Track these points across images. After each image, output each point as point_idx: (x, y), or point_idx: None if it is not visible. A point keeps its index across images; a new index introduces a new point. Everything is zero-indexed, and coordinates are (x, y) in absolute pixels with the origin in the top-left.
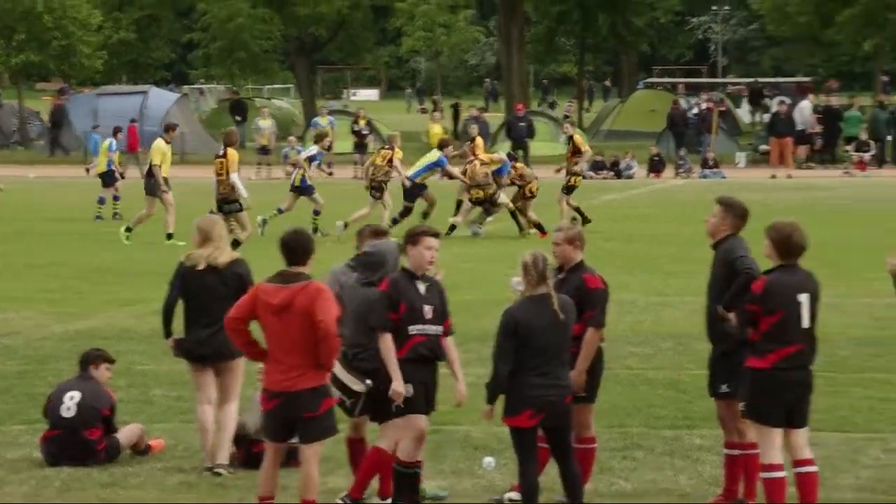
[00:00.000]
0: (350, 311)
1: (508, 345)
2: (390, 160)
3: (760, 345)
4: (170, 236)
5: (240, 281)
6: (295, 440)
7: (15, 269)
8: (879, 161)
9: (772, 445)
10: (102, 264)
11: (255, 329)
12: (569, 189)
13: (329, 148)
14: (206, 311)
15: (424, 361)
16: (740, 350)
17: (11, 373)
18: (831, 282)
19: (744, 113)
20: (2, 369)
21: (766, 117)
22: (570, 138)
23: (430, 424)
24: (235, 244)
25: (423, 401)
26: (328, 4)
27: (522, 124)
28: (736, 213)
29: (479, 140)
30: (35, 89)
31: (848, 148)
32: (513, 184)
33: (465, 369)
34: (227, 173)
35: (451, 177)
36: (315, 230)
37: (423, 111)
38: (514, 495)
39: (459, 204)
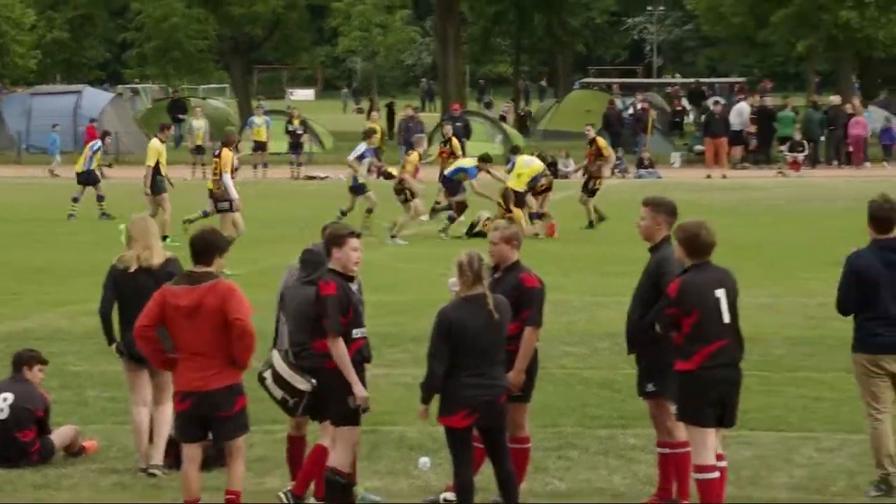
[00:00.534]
0: (291, 309)
1: (443, 345)
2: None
3: (685, 347)
4: (165, 237)
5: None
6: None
7: None
8: (813, 161)
9: (704, 446)
10: (37, 265)
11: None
12: (591, 191)
13: (378, 147)
14: (138, 312)
15: (363, 364)
16: (664, 349)
17: None
18: (766, 282)
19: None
20: None
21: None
22: (593, 141)
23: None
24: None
25: (358, 409)
26: (263, 4)
27: (458, 124)
28: (666, 210)
29: (455, 140)
30: None
31: (782, 148)
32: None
33: (401, 370)
34: (221, 174)
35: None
36: (365, 228)
37: (360, 111)
38: (450, 495)
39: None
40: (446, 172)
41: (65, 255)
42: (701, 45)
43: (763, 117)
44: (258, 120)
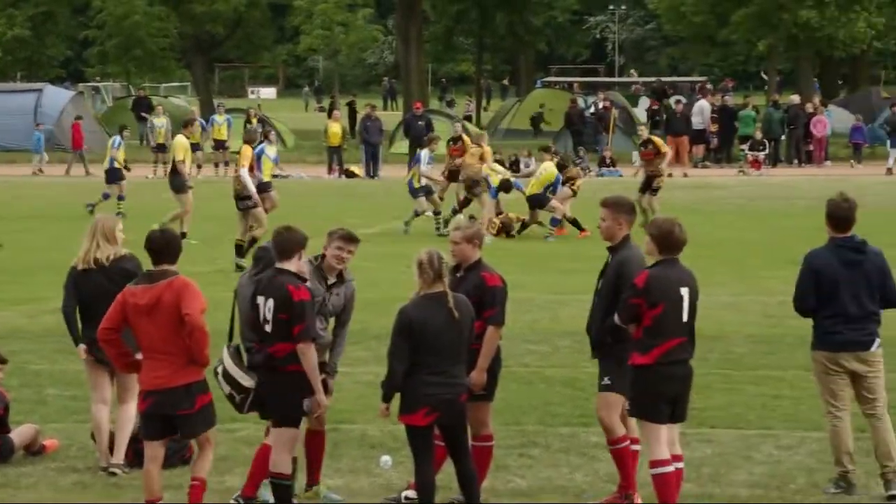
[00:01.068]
0: (243, 306)
1: (403, 343)
2: (481, 157)
3: (644, 340)
4: (183, 235)
5: (127, 276)
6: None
7: None
8: (773, 160)
9: (658, 441)
10: None
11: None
12: (654, 190)
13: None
14: (97, 311)
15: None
16: (622, 345)
17: None
18: (727, 280)
19: (640, 112)
20: None
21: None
22: (650, 141)
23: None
24: (252, 241)
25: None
26: (225, 2)
27: (420, 123)
28: (626, 209)
29: (467, 138)
30: None
31: (743, 147)
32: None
33: (363, 368)
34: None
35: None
36: (407, 224)
37: (321, 110)
38: (411, 493)
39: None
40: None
41: (22, 254)
42: (662, 45)
43: (724, 116)
44: (219, 118)
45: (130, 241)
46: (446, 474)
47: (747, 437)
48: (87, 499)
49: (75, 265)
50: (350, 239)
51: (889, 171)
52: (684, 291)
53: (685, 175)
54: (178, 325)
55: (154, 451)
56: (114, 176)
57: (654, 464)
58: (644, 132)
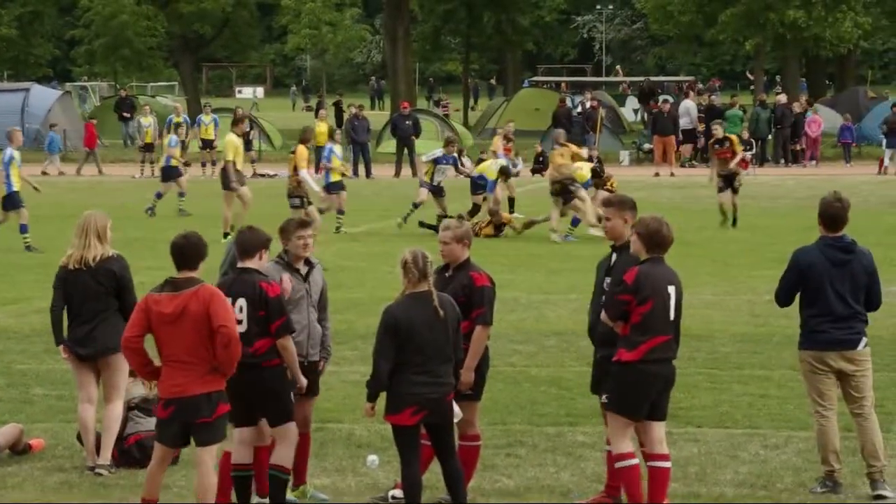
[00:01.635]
0: None
1: (389, 342)
2: (573, 156)
3: (631, 336)
4: (226, 234)
5: (113, 278)
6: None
7: None
8: (760, 160)
9: (624, 435)
10: None
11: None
12: (735, 189)
13: (461, 153)
14: (82, 310)
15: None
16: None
17: None
18: (714, 279)
19: (628, 112)
20: None
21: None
22: (726, 139)
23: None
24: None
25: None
26: (213, 1)
27: (408, 122)
28: (630, 206)
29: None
30: None
31: None
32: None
33: (349, 367)
34: (296, 170)
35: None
36: (427, 226)
37: (309, 109)
38: (398, 493)
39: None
40: (473, 175)
41: (9, 254)
42: (650, 44)
43: (711, 116)
44: (206, 118)
45: (117, 240)
46: (433, 474)
47: (734, 436)
48: (74, 498)
49: (65, 264)
50: (305, 224)
51: (885, 170)
52: (671, 290)
53: (672, 174)
54: (203, 334)
55: (164, 453)
56: (169, 174)
57: (620, 457)
58: (720, 130)
